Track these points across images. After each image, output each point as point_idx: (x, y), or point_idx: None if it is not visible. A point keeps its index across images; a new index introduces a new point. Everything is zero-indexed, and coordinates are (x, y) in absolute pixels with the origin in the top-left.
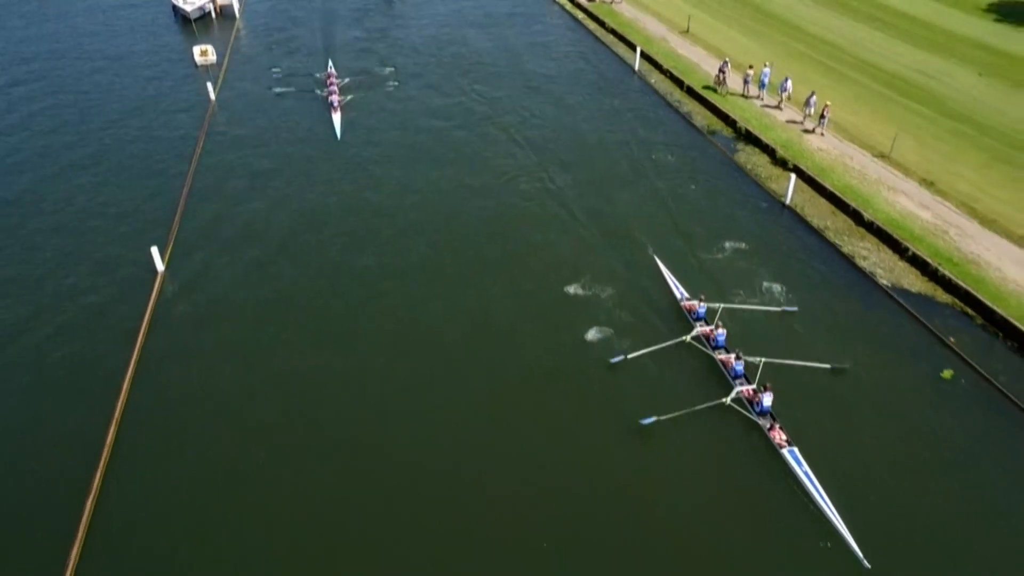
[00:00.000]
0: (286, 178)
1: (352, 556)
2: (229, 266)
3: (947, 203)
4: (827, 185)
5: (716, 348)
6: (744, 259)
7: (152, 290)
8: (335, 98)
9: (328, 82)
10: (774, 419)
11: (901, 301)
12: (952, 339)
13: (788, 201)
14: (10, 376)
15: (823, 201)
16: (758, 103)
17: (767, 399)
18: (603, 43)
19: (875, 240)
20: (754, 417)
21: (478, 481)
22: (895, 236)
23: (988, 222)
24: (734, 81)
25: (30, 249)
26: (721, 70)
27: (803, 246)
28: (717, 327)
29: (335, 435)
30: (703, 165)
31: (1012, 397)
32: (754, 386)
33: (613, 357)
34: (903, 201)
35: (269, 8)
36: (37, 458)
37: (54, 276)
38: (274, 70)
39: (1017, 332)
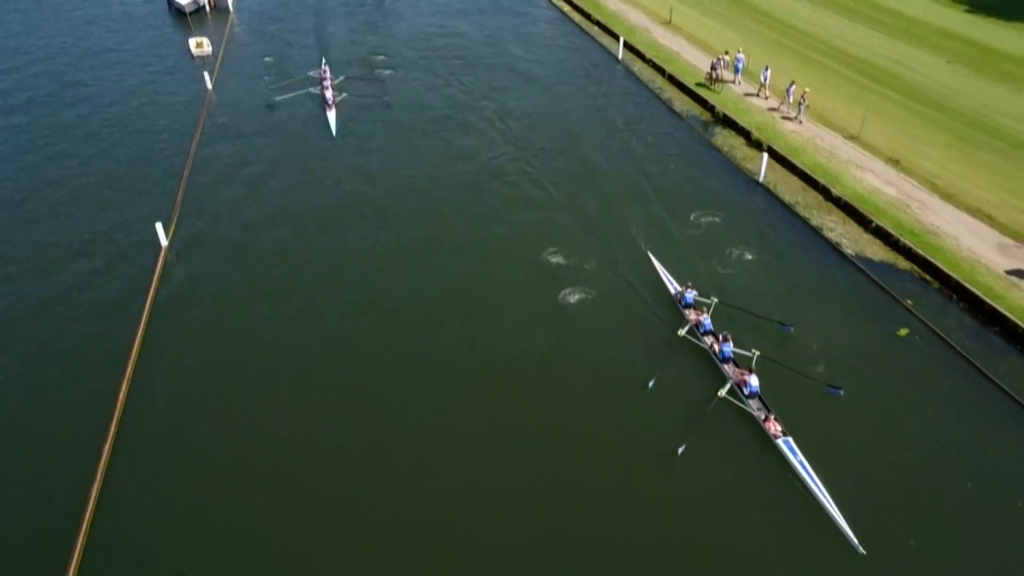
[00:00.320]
0: (283, 161)
1: (352, 542)
2: (230, 241)
3: (911, 180)
4: (798, 164)
5: (704, 334)
6: (718, 230)
7: (156, 263)
8: (330, 94)
9: (322, 80)
10: (768, 410)
11: (864, 268)
12: (910, 302)
13: (761, 179)
14: (19, 348)
15: (795, 179)
16: (735, 88)
17: (754, 380)
18: (588, 34)
19: (842, 214)
20: (747, 407)
21: (475, 472)
22: (861, 210)
23: (948, 196)
24: (728, 77)
25: (34, 222)
26: (713, 67)
27: (774, 219)
28: (702, 312)
29: (335, 405)
30: (682, 147)
31: (962, 352)
32: (744, 370)
33: (647, 384)
34: (870, 178)
35: (262, 1)
36: (43, 437)
37: (61, 250)
38: (268, 80)
39: (969, 294)
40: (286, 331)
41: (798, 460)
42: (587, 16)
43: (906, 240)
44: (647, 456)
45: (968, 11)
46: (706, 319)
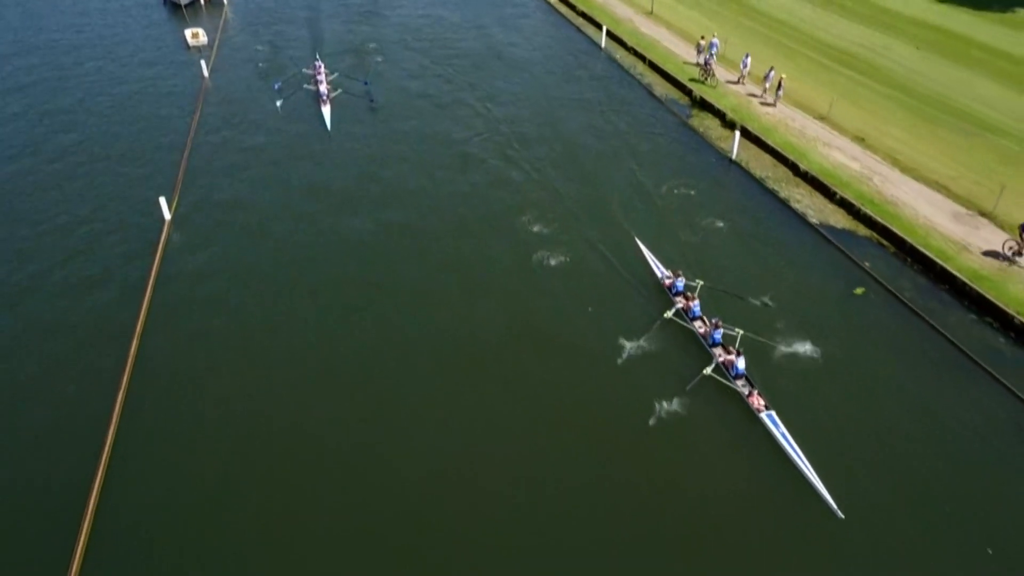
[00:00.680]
0: (279, 143)
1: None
2: (229, 218)
3: (875, 156)
4: (769, 142)
5: (693, 319)
6: (692, 202)
7: (161, 235)
8: (324, 88)
9: (316, 76)
10: (752, 386)
11: (827, 235)
12: (867, 264)
13: (734, 156)
14: (26, 321)
15: (766, 156)
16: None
17: (740, 362)
18: (573, 25)
19: (809, 187)
20: (732, 384)
21: (466, 449)
22: (826, 183)
23: (908, 170)
24: (720, 73)
25: (43, 195)
26: (707, 61)
27: (745, 192)
28: (691, 299)
29: (334, 375)
30: (661, 127)
31: (914, 308)
32: (728, 347)
33: (619, 357)
34: (836, 155)
35: None
36: (49, 414)
37: (68, 223)
38: (263, 68)
39: (922, 256)
40: (284, 295)
41: (780, 432)
42: (572, 7)
43: (867, 209)
44: (632, 430)
45: (940, 0)
46: (696, 305)
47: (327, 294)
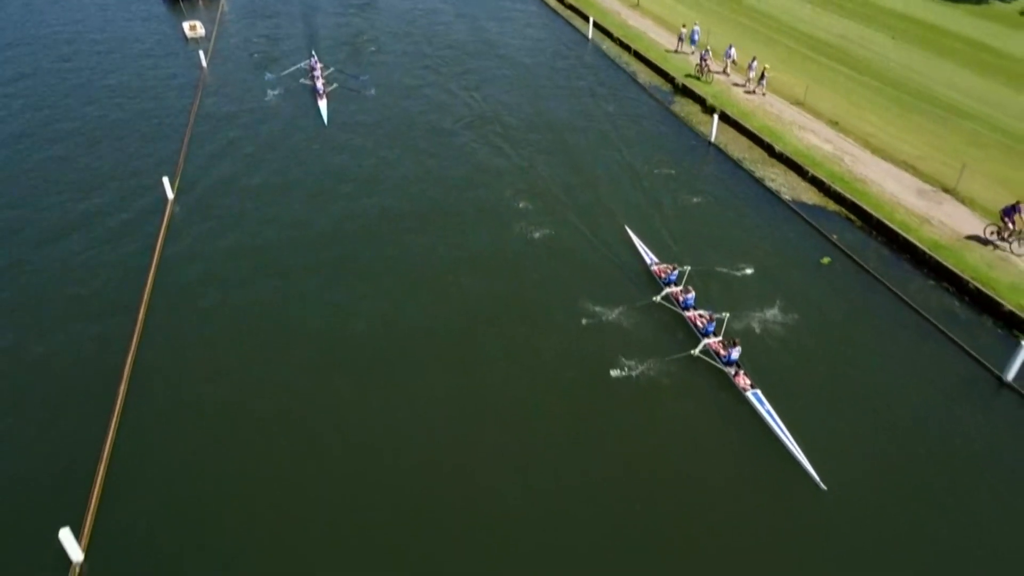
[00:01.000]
0: (276, 130)
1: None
2: (228, 197)
3: (848, 139)
4: (747, 126)
5: (685, 308)
6: (673, 181)
7: (164, 212)
8: (320, 84)
9: (312, 71)
10: (739, 366)
11: (798, 211)
12: (835, 236)
13: (713, 139)
14: (32, 296)
15: (743, 139)
16: (692, 59)
17: (735, 353)
18: (562, 17)
19: (783, 167)
20: (720, 366)
21: (461, 436)
22: (799, 163)
23: (878, 151)
24: (685, 50)
25: (52, 172)
26: (703, 58)
27: (723, 172)
28: (687, 291)
29: (330, 349)
30: (644, 112)
31: (877, 276)
32: (721, 338)
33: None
34: (810, 137)
35: None
36: (56, 383)
37: (77, 199)
38: (258, 58)
39: (887, 229)
40: (284, 271)
41: (765, 410)
42: (561, 1)
43: (837, 187)
44: (620, 408)
45: None
46: (690, 296)
47: (323, 269)
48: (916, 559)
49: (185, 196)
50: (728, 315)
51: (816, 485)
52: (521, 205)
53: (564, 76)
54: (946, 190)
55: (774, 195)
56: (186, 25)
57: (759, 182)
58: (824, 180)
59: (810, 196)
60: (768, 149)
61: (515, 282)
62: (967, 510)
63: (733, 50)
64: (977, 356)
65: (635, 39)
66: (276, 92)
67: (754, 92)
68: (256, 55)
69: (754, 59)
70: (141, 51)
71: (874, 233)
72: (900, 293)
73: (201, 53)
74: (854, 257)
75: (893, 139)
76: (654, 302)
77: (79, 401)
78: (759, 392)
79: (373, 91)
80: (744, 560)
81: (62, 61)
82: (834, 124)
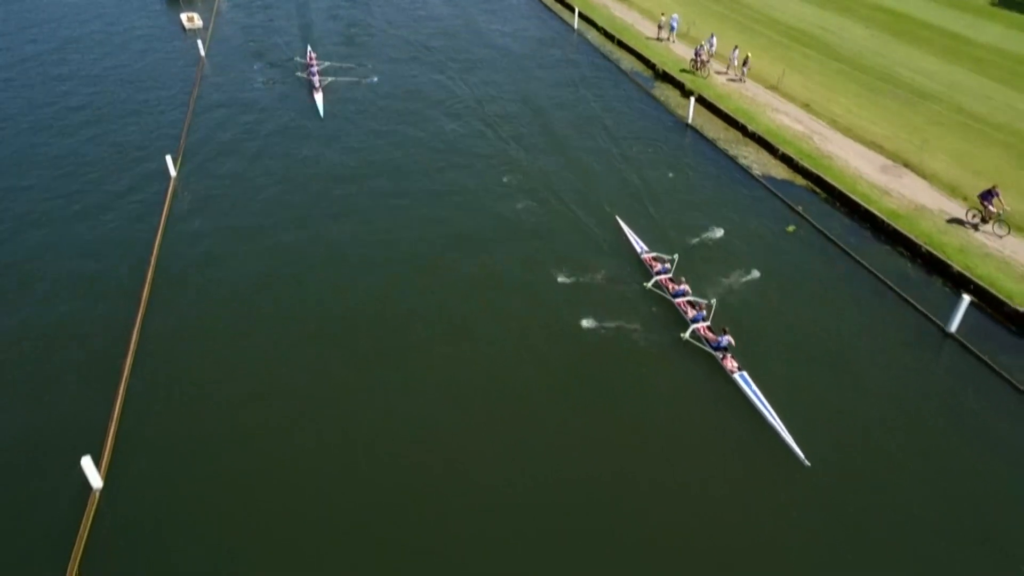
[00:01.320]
0: (273, 110)
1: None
2: (228, 176)
3: (818, 120)
4: (723, 108)
5: (676, 297)
6: (652, 159)
7: (167, 189)
8: (317, 79)
9: (309, 66)
10: (727, 350)
11: (767, 185)
12: (800, 207)
13: (690, 121)
14: (38, 277)
15: (719, 121)
16: (673, 47)
17: (724, 341)
18: (551, 10)
19: (756, 146)
20: (709, 349)
21: (459, 429)
22: (771, 142)
23: (846, 130)
24: (681, 50)
25: (58, 152)
26: (697, 54)
27: (698, 151)
28: (680, 282)
29: (326, 322)
30: (626, 96)
31: (839, 243)
32: (709, 323)
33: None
34: (782, 118)
35: None
36: (61, 361)
37: (83, 177)
38: (255, 67)
39: (849, 200)
40: (284, 248)
41: (752, 390)
42: None
43: (804, 163)
44: (608, 389)
45: None
46: (681, 287)
47: (319, 243)
48: (891, 524)
49: (187, 174)
50: (716, 300)
51: (800, 461)
52: (506, 179)
53: (551, 63)
54: (907, 165)
55: (745, 171)
56: (184, 17)
57: (732, 159)
58: (793, 157)
59: (779, 172)
60: (742, 129)
61: (501, 256)
62: (927, 456)
63: (715, 39)
64: (925, 312)
65: (620, 30)
66: (272, 80)
67: (736, 79)
68: (252, 43)
69: (736, 48)
70: (141, 40)
71: (837, 204)
72: (859, 258)
73: (199, 42)
74: (817, 226)
75: (861, 120)
76: (644, 288)
77: (96, 345)
78: (746, 374)
79: (375, 79)
80: (731, 536)
81: (63, 53)
82: (806, 106)
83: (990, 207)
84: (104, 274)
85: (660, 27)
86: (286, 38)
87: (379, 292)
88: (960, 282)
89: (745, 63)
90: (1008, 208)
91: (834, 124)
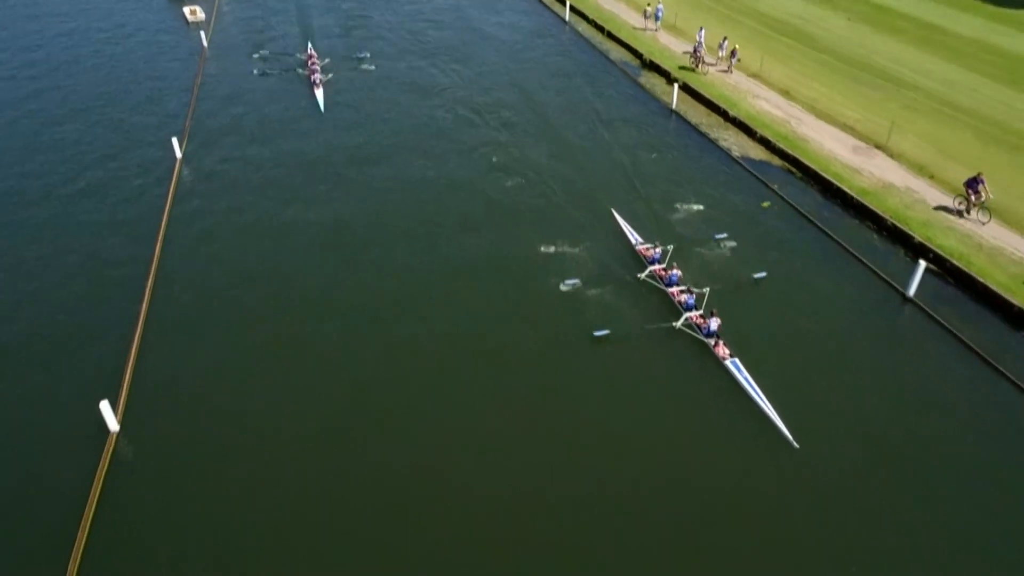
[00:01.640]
0: (274, 99)
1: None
2: (231, 161)
3: (796, 105)
4: (705, 95)
5: (669, 286)
6: (636, 142)
7: (174, 169)
8: (317, 76)
9: (309, 62)
10: (719, 337)
11: (746, 165)
12: (775, 185)
13: (674, 107)
14: (42, 265)
15: (701, 107)
16: (660, 38)
17: (714, 323)
18: (543, 3)
19: (736, 130)
20: (702, 337)
21: (450, 409)
22: (750, 125)
23: (822, 115)
24: (670, 41)
25: (66, 136)
26: (696, 50)
27: (681, 134)
28: (672, 268)
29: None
30: (614, 83)
31: (811, 218)
32: (701, 311)
33: (564, 283)
34: (762, 104)
35: None
36: (68, 343)
37: (93, 156)
38: (255, 55)
39: (821, 179)
40: (285, 232)
41: (743, 376)
42: None
43: (781, 145)
44: (602, 375)
45: None
46: (674, 273)
47: (320, 223)
48: (876, 502)
49: (192, 155)
50: (708, 290)
51: (789, 443)
52: (495, 159)
53: (543, 52)
54: (878, 147)
55: (725, 152)
56: (187, 10)
57: (713, 142)
58: (771, 139)
59: (757, 153)
60: (723, 115)
61: (496, 241)
62: (894, 422)
63: (704, 32)
64: (887, 279)
65: (608, 21)
66: (273, 70)
67: (726, 70)
68: (254, 36)
69: (725, 39)
70: (144, 32)
71: (811, 183)
72: (828, 230)
73: (202, 34)
74: (791, 202)
75: (837, 105)
76: (639, 279)
77: (113, 295)
78: (737, 361)
79: (373, 67)
80: (724, 517)
81: (70, 47)
82: (785, 93)
83: (973, 194)
84: (123, 226)
85: (646, 17)
86: (286, 30)
87: (383, 270)
88: (920, 252)
89: (733, 54)
90: (992, 195)
91: (811, 109)
